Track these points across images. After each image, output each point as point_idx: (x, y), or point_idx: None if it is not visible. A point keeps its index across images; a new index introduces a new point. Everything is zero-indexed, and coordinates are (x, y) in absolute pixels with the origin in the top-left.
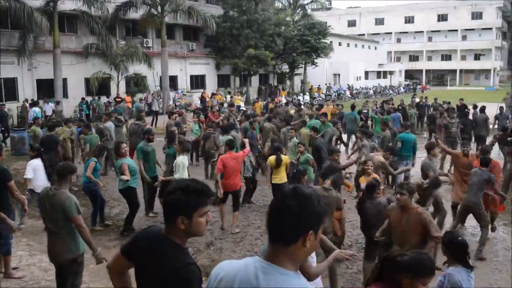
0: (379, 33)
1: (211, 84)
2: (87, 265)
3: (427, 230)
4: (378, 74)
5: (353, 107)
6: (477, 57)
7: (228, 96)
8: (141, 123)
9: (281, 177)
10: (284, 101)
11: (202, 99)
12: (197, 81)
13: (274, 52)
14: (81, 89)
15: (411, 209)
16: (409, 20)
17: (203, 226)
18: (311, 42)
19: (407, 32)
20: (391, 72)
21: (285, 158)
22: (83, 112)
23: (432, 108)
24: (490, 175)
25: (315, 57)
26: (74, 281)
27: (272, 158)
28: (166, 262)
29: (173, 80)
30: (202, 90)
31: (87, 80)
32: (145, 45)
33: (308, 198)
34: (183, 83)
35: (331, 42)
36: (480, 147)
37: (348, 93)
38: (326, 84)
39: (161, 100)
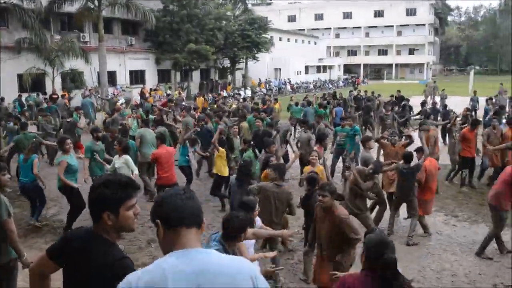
0: (318, 28)
1: (151, 79)
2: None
3: (346, 229)
4: (318, 69)
5: (309, 102)
6: (411, 52)
7: (169, 91)
8: (74, 120)
9: (218, 169)
10: (225, 95)
11: (142, 94)
12: (137, 77)
13: (215, 46)
14: (13, 86)
15: (334, 211)
16: (347, 15)
17: (132, 220)
18: (252, 37)
19: (345, 28)
20: (330, 67)
21: (221, 151)
22: (16, 110)
23: (367, 100)
24: (417, 166)
25: (256, 51)
26: (9, 285)
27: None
28: (98, 258)
29: (112, 75)
30: (142, 86)
31: (20, 76)
32: (81, 40)
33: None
34: (122, 78)
35: (271, 37)
36: None
37: (288, 87)
38: (266, 79)
39: (99, 96)
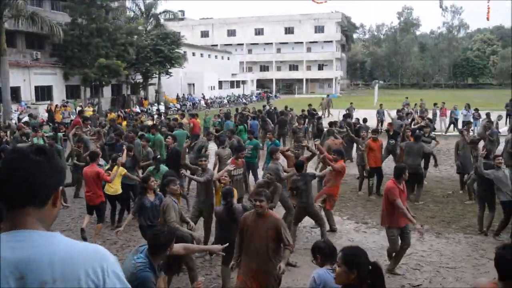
0: (231, 44)
1: (59, 95)
2: None
3: (280, 237)
4: (232, 84)
5: (227, 116)
6: (320, 67)
7: (79, 108)
8: None
9: (116, 189)
10: (138, 111)
11: (49, 111)
12: (43, 93)
13: (126, 61)
14: None
15: (269, 215)
16: (259, 32)
17: None
18: (164, 52)
19: (257, 44)
20: (243, 82)
21: (120, 170)
22: None
23: (280, 114)
24: (314, 174)
25: (169, 67)
26: None
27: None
28: None
29: (16, 91)
30: (48, 102)
31: None
32: None
33: (49, 152)
34: (27, 94)
35: (185, 52)
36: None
37: (203, 102)
38: (178, 95)
39: (1, 113)
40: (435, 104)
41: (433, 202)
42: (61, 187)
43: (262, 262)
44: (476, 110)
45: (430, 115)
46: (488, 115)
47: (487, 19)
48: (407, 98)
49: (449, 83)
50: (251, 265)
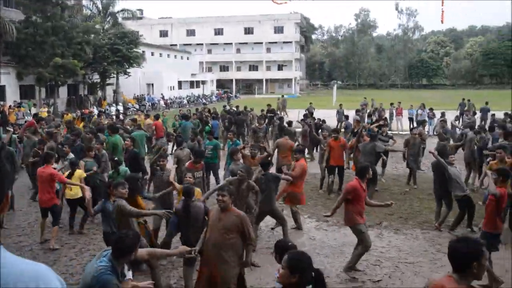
0: (191, 44)
1: (12, 95)
2: None
3: (244, 233)
4: (191, 84)
5: (187, 117)
6: (280, 67)
7: (33, 109)
8: None
9: (75, 192)
10: (95, 111)
11: (2, 112)
12: None
13: (83, 61)
14: None
15: (231, 210)
16: (218, 32)
17: None
18: (122, 51)
19: (217, 44)
20: (203, 82)
21: (79, 172)
22: None
23: (238, 114)
24: (278, 176)
25: (127, 66)
26: None
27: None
28: None
29: None
30: (1, 103)
31: None
32: None
33: None
34: None
35: (143, 51)
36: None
37: (162, 102)
38: (135, 95)
39: None
40: (391, 104)
41: (391, 200)
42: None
43: (220, 255)
44: (431, 109)
45: (387, 115)
46: (443, 114)
47: (442, 21)
48: (365, 98)
49: (405, 83)
50: (211, 258)
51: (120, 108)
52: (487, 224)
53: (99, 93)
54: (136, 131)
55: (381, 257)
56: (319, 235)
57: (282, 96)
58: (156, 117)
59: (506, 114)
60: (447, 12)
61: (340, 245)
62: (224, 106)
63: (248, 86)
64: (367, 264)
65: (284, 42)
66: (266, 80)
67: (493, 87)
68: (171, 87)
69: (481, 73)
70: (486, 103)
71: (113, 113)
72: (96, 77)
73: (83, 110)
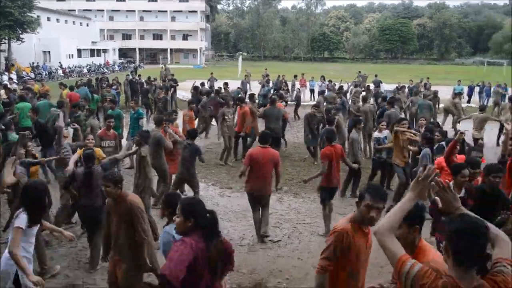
0: (91, 10)
1: None
2: None
3: (135, 222)
4: (92, 52)
5: (89, 84)
6: (185, 37)
7: None
8: None
9: None
10: None
11: None
12: None
13: None
14: None
15: (123, 200)
16: None
17: None
18: (14, 15)
19: (119, 11)
20: (105, 51)
21: None
22: None
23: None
24: (197, 147)
25: (20, 32)
26: None
27: None
28: None
29: None
30: None
31: None
32: None
33: None
34: None
35: (38, 16)
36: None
37: (60, 71)
38: (30, 63)
39: None
40: (295, 76)
41: (291, 166)
42: None
43: (120, 251)
44: (330, 81)
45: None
46: (341, 88)
47: None
48: (266, 69)
49: (307, 56)
50: (115, 254)
51: (14, 76)
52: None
53: None
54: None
55: (281, 219)
56: (223, 201)
57: (165, 65)
58: (71, 88)
59: (396, 87)
60: None
61: (242, 210)
62: (127, 76)
63: (152, 56)
64: (268, 226)
65: (189, 11)
66: (171, 49)
67: (388, 61)
68: (69, 55)
69: (378, 48)
70: (376, 75)
71: (5, 81)
72: None
73: None
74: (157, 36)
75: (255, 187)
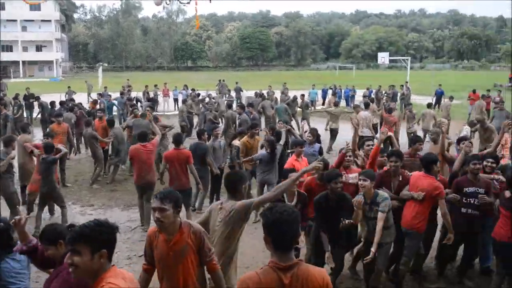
0: None
1: None
2: None
3: None
4: None
5: None
6: (39, 48)
7: None
8: None
9: None
10: None
11: None
12: None
13: None
14: None
15: None
16: None
17: None
18: None
19: None
20: None
21: None
22: None
23: None
24: (55, 158)
25: None
26: None
27: None
28: None
29: None
30: None
31: None
32: None
33: None
34: None
35: None
36: None
37: None
38: None
39: None
40: (155, 86)
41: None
42: None
43: None
44: (193, 90)
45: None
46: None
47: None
48: (128, 80)
49: (171, 65)
50: None
51: None
52: None
53: None
54: None
55: None
56: (83, 220)
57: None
58: None
59: (255, 93)
60: None
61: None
62: None
63: (2, 69)
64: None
65: (42, 21)
66: (24, 62)
67: (249, 68)
68: None
69: (239, 56)
70: (236, 82)
71: None
72: None
73: None
74: (7, 47)
75: None
